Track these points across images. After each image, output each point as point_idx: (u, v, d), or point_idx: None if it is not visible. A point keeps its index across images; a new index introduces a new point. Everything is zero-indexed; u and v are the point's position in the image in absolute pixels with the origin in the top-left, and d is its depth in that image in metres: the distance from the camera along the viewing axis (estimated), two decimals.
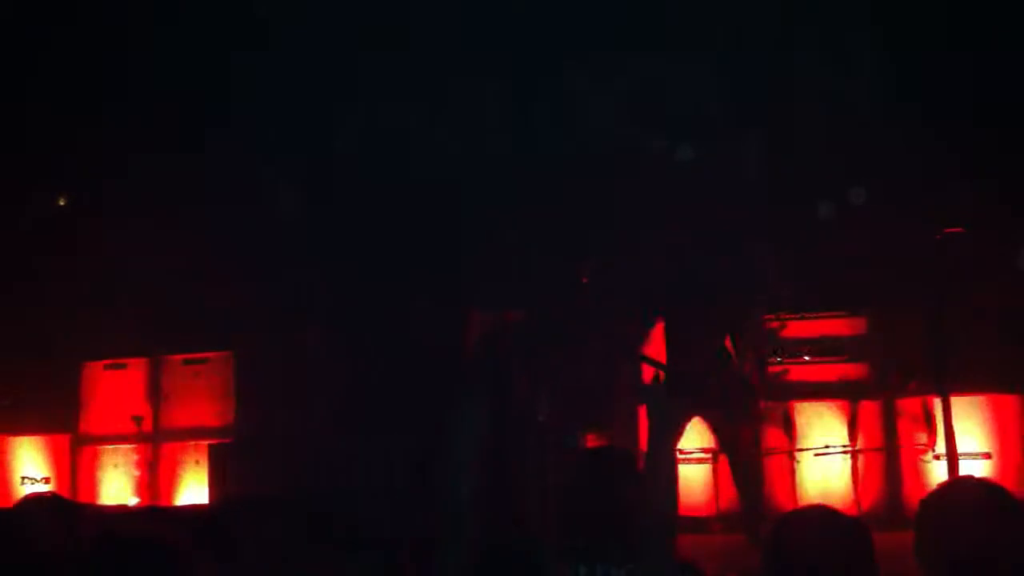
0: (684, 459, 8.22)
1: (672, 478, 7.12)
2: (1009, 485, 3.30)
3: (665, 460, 6.98)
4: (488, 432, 5.86)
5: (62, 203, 10.48)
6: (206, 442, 8.74)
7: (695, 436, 8.26)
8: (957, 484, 3.85)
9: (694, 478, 8.24)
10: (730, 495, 8.17)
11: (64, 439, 9.51)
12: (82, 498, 9.17)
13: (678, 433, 7.18)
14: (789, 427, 8.16)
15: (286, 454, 7.54)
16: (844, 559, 3.07)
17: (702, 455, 8.24)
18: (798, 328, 8.42)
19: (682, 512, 7.86)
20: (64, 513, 4.50)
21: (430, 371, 6.04)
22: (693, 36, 8.28)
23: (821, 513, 3.30)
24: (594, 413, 7.30)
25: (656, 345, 8.65)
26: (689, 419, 7.24)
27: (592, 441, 7.34)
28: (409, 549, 5.33)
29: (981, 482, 3.38)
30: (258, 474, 7.51)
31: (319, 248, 8.38)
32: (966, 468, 7.46)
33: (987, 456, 7.85)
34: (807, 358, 8.38)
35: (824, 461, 7.93)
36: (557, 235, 8.00)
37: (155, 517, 7.75)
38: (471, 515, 5.67)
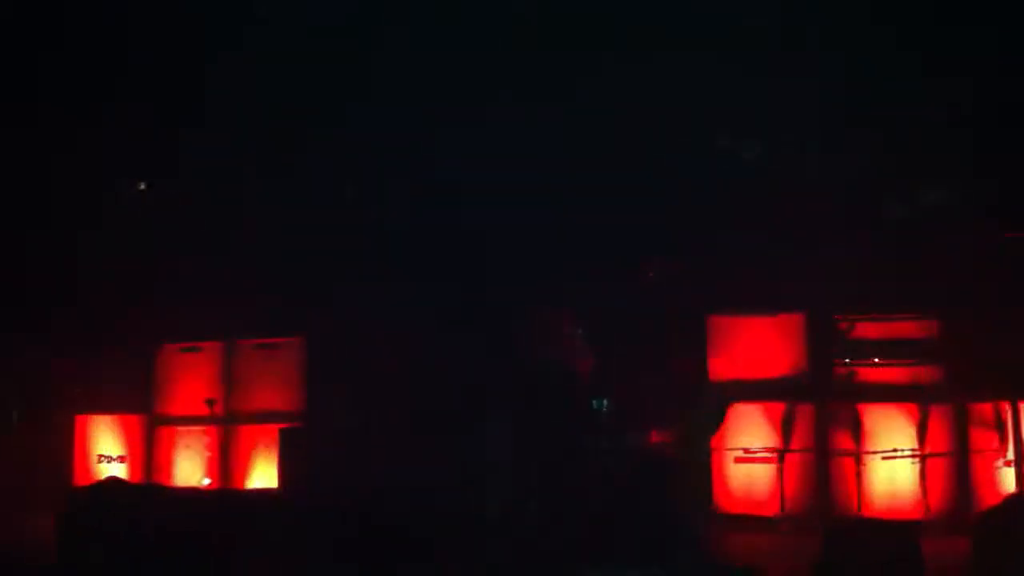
0: (750, 458, 8.22)
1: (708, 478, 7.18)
2: None
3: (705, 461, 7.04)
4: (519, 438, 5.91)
5: (142, 188, 10.66)
6: (277, 426, 8.89)
7: (761, 434, 8.26)
8: (1019, 499, 3.83)
9: (759, 477, 8.23)
10: (794, 494, 8.15)
11: (139, 420, 9.73)
12: (156, 478, 9.37)
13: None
14: (857, 430, 8.10)
15: (354, 442, 7.63)
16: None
17: (767, 454, 8.22)
18: (867, 330, 8.34)
19: (747, 510, 7.88)
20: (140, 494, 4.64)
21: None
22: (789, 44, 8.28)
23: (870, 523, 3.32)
24: (655, 413, 7.32)
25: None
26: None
27: (652, 439, 7.34)
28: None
29: None
30: (326, 460, 7.60)
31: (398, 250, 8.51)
32: None
33: None
34: (876, 360, 8.30)
35: (891, 464, 7.85)
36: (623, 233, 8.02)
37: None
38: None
